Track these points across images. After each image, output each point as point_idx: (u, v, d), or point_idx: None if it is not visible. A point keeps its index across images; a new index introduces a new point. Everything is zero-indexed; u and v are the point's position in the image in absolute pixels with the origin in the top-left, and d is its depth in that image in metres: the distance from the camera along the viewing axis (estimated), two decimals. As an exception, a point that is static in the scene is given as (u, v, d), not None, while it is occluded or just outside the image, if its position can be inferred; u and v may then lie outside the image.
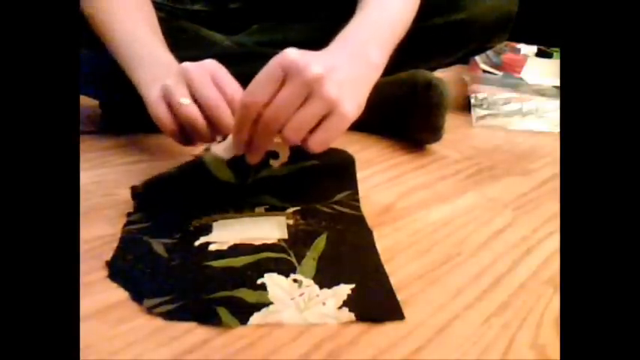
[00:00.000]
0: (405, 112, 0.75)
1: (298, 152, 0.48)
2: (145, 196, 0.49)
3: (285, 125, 0.42)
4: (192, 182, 0.48)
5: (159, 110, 0.50)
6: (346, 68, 0.44)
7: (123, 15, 0.58)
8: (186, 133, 0.51)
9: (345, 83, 0.43)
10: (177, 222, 0.47)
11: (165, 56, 0.56)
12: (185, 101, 0.48)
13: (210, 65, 0.50)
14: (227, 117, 0.48)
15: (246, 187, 0.49)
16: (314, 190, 0.53)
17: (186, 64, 0.50)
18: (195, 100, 0.48)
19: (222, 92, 0.48)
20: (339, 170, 0.55)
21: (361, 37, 0.50)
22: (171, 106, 0.49)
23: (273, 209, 0.51)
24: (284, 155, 0.49)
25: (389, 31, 0.52)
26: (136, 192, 0.49)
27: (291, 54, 0.41)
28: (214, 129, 0.49)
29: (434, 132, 0.72)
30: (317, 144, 0.43)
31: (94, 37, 0.58)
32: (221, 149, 0.47)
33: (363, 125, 0.75)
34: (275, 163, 0.49)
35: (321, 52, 0.46)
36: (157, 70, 0.54)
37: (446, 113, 0.71)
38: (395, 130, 0.78)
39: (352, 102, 0.44)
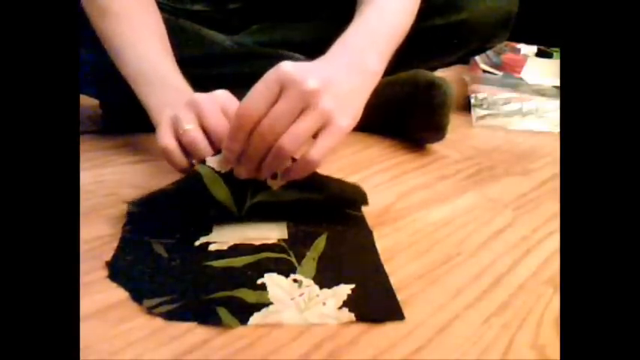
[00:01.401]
0: (407, 112, 0.75)
1: (305, 182, 0.47)
2: (140, 214, 0.48)
3: (279, 137, 0.42)
4: (189, 200, 0.47)
5: (165, 140, 0.49)
6: (343, 79, 0.45)
7: (133, 34, 0.57)
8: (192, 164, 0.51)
9: (342, 95, 0.44)
10: (177, 222, 0.47)
11: (176, 79, 0.56)
12: (189, 126, 0.48)
13: (221, 96, 0.50)
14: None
15: (242, 216, 0.47)
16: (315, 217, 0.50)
17: (197, 95, 0.50)
18: (205, 132, 0.48)
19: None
20: (348, 206, 0.52)
21: (359, 45, 0.49)
22: (178, 136, 0.49)
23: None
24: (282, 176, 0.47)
25: (387, 37, 0.52)
26: (130, 210, 0.48)
27: (287, 67, 0.41)
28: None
29: (437, 131, 0.72)
30: (315, 154, 0.43)
31: (94, 37, 0.58)
32: (215, 161, 0.47)
33: (365, 126, 0.75)
34: (274, 184, 0.47)
35: (318, 62, 0.46)
36: (167, 95, 0.54)
37: (450, 113, 0.71)
38: (396, 130, 0.78)
39: (348, 114, 0.44)
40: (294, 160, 0.46)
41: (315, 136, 0.43)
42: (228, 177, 0.46)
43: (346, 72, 0.46)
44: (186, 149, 0.49)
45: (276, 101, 0.41)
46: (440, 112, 0.70)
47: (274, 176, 0.47)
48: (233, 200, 0.46)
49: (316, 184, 0.48)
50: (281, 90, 0.41)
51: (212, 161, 0.47)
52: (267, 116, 0.41)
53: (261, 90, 0.42)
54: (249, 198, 0.47)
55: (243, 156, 0.44)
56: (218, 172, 0.46)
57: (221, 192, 0.46)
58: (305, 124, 0.42)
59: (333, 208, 0.50)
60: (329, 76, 0.43)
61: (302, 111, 0.42)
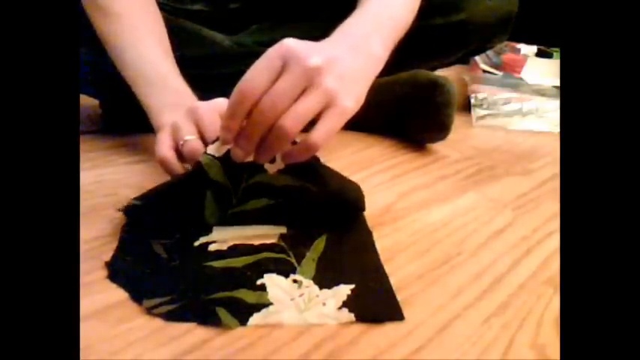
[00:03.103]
0: (408, 112, 0.75)
1: (301, 166, 0.46)
2: (140, 212, 0.46)
3: (281, 115, 0.40)
4: (189, 188, 0.46)
5: (164, 150, 0.49)
6: (347, 60, 0.43)
7: (133, 35, 0.57)
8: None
9: (345, 75, 0.42)
10: (177, 222, 0.47)
11: (176, 81, 0.55)
12: (189, 137, 0.47)
13: (220, 104, 0.49)
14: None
15: (240, 194, 0.47)
16: (311, 215, 0.49)
17: (197, 104, 0.49)
18: (204, 141, 0.48)
19: None
20: (345, 205, 0.50)
21: (363, 29, 0.49)
22: (177, 145, 0.48)
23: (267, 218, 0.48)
24: (280, 160, 0.46)
25: (390, 25, 0.52)
26: (131, 207, 0.46)
27: (291, 43, 0.40)
28: None
29: (441, 131, 0.73)
30: (317, 138, 0.41)
31: (94, 37, 0.58)
32: (213, 147, 0.46)
33: (366, 125, 0.75)
34: (271, 168, 0.46)
35: (322, 43, 0.45)
36: (167, 96, 0.54)
37: (454, 112, 0.71)
38: (397, 130, 0.78)
39: (351, 95, 0.42)
40: (294, 142, 0.44)
41: (317, 118, 0.41)
42: (225, 159, 0.45)
43: (350, 53, 0.45)
44: (184, 157, 0.48)
45: (278, 78, 0.40)
46: (444, 112, 0.70)
47: (272, 160, 0.45)
48: (230, 181, 0.46)
49: (316, 174, 0.47)
50: (283, 66, 0.40)
51: (210, 149, 0.46)
52: (268, 93, 0.39)
53: (262, 66, 0.40)
54: (245, 180, 0.46)
55: (241, 136, 0.42)
56: (216, 157, 0.45)
57: (218, 173, 0.45)
58: (307, 103, 0.40)
59: (328, 204, 0.49)
60: (333, 55, 0.42)
61: (305, 89, 0.40)
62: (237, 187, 0.46)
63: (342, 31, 0.48)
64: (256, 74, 0.40)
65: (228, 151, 0.44)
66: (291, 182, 0.47)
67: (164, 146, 0.49)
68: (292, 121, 0.40)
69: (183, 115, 0.49)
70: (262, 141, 0.42)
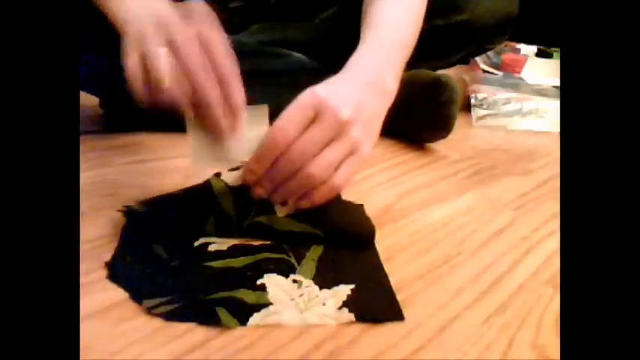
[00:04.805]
0: (409, 112, 0.75)
1: (311, 212, 0.46)
2: (141, 214, 0.46)
3: (307, 163, 0.42)
4: (194, 205, 0.46)
5: (129, 59, 0.42)
6: (369, 104, 0.45)
7: None
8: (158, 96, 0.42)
9: (368, 121, 0.45)
10: (177, 222, 0.47)
11: None
12: (156, 50, 0.41)
13: (201, 26, 0.42)
14: (214, 97, 0.41)
15: (242, 228, 0.46)
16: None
17: (172, 19, 0.42)
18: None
19: (212, 64, 0.41)
20: (352, 248, 0.47)
21: (376, 62, 0.50)
22: (143, 57, 0.41)
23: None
24: (293, 204, 0.46)
25: (401, 54, 0.53)
26: (134, 209, 0.46)
27: (323, 93, 0.42)
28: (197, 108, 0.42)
29: (444, 129, 0.73)
30: (340, 181, 0.44)
31: (94, 37, 0.58)
32: (230, 175, 0.46)
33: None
34: (281, 211, 0.46)
35: (345, 83, 0.46)
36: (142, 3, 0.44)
37: (457, 109, 0.72)
38: (398, 130, 0.78)
39: (371, 141, 0.45)
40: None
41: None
42: (237, 191, 0.45)
43: (370, 94, 0.46)
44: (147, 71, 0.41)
45: (308, 126, 0.41)
46: (448, 109, 0.71)
47: (284, 202, 0.46)
48: (236, 213, 0.46)
49: (320, 218, 0.46)
50: (316, 116, 0.41)
51: (227, 176, 0.46)
52: (299, 141, 0.41)
53: (295, 114, 0.41)
54: (252, 216, 0.46)
55: (265, 177, 0.43)
56: (230, 187, 0.46)
57: (227, 203, 0.45)
58: (335, 153, 0.42)
59: (332, 243, 0.47)
60: (359, 103, 0.44)
61: (332, 137, 0.42)
62: (243, 221, 0.46)
63: (357, 66, 0.49)
64: (288, 122, 0.41)
65: (243, 184, 0.45)
66: (294, 229, 0.46)
67: (129, 60, 0.42)
68: (320, 168, 0.42)
69: (154, 30, 0.42)
70: (283, 183, 0.43)
